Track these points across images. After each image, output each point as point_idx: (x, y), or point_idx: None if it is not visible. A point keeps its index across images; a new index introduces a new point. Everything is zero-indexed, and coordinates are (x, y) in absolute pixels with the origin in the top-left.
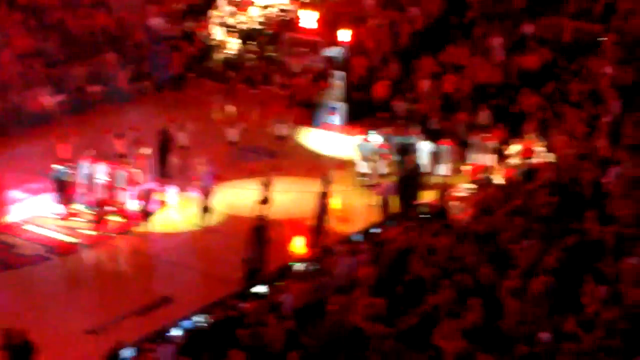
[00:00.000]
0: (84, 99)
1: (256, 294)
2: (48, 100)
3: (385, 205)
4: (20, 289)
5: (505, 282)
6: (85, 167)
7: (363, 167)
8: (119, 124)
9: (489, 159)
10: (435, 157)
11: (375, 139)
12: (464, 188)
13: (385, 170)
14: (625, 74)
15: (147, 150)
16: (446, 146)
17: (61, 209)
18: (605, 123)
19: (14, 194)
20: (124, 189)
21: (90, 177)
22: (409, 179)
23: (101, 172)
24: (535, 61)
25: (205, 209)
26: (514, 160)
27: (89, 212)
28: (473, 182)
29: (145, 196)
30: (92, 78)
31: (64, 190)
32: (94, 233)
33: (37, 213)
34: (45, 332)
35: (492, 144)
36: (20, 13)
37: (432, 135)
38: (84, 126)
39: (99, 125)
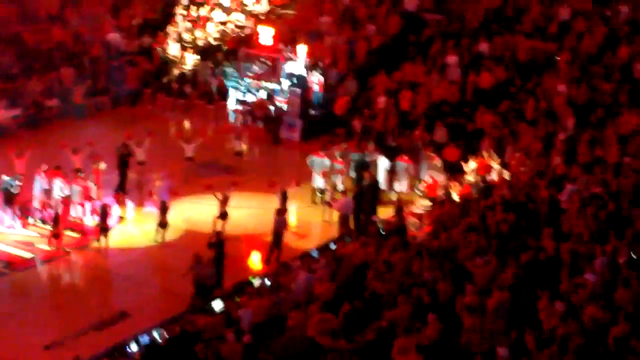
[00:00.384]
0: (40, 113)
1: (213, 310)
2: (3, 114)
3: (343, 221)
4: None
5: (463, 298)
6: (40, 181)
7: (319, 183)
8: (75, 139)
9: (440, 177)
10: (393, 174)
11: (332, 155)
12: (421, 205)
13: (342, 186)
14: (579, 92)
15: (103, 165)
16: (403, 163)
17: (14, 222)
18: (560, 141)
19: None
20: (80, 204)
21: (45, 192)
22: (367, 195)
23: (56, 187)
24: (491, 79)
25: (162, 224)
26: (470, 178)
27: (45, 226)
28: (430, 199)
29: (103, 211)
30: (49, 93)
31: (12, 202)
32: (50, 248)
33: None
34: (1, 348)
35: (440, 162)
36: None
37: (389, 152)
38: (40, 141)
39: (55, 140)
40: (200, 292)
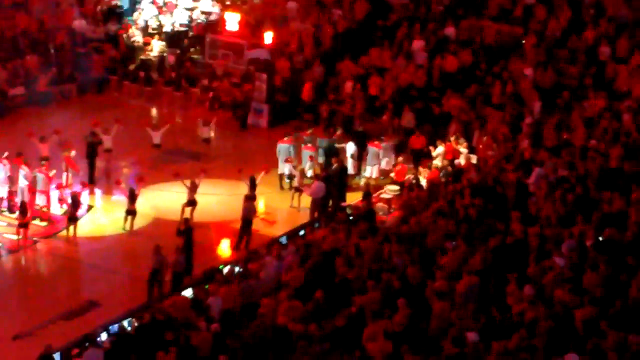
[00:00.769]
0: (5, 101)
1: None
2: None
3: (316, 206)
4: None
5: (432, 283)
6: (3, 169)
7: (285, 169)
8: (41, 127)
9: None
10: (360, 159)
11: (300, 141)
12: (389, 190)
13: (311, 172)
14: (545, 75)
15: (73, 153)
16: (374, 148)
17: None
18: (527, 124)
19: None
20: (45, 192)
21: (9, 180)
22: (335, 181)
23: (21, 176)
24: (457, 63)
25: (131, 212)
26: (438, 162)
27: (12, 215)
28: (398, 183)
29: (73, 200)
30: (13, 80)
31: None
32: (17, 237)
33: None
34: None
35: (389, 145)
36: None
37: (357, 137)
38: (5, 129)
39: (20, 129)
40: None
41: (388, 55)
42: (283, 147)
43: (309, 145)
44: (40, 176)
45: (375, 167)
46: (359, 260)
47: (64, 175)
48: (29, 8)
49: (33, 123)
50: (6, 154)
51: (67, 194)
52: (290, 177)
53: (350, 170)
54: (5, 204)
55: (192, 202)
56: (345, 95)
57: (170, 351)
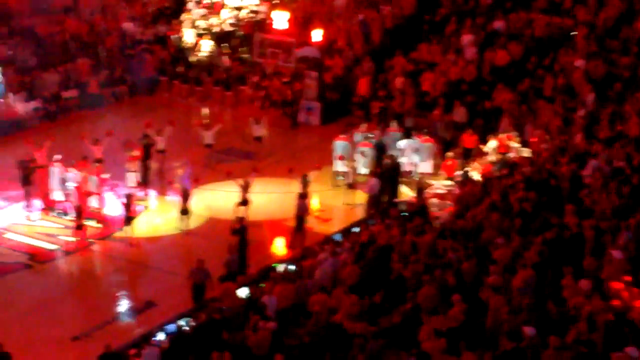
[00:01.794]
0: (58, 105)
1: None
2: (22, 107)
3: (372, 202)
4: (1, 297)
5: (487, 278)
6: (59, 172)
7: (341, 166)
8: (94, 129)
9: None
10: (414, 155)
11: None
12: (442, 185)
13: (364, 168)
14: (597, 67)
15: (137, 153)
16: (428, 143)
17: (37, 213)
18: (580, 117)
19: None
20: (99, 194)
21: (62, 182)
22: (389, 177)
23: (77, 178)
24: (508, 57)
25: (184, 212)
26: (491, 157)
27: (69, 218)
28: (451, 179)
29: (127, 201)
30: (66, 84)
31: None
32: (74, 239)
33: (16, 221)
34: (29, 340)
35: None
36: None
37: (409, 133)
38: (59, 132)
39: (73, 131)
40: (228, 278)
41: (438, 50)
42: (340, 145)
43: (362, 141)
44: (93, 178)
45: (429, 163)
46: (414, 257)
47: (130, 175)
48: (78, 12)
49: (86, 126)
50: (59, 156)
51: (122, 195)
52: (344, 174)
53: (404, 166)
54: (60, 206)
55: (245, 201)
56: (396, 91)
57: (224, 352)
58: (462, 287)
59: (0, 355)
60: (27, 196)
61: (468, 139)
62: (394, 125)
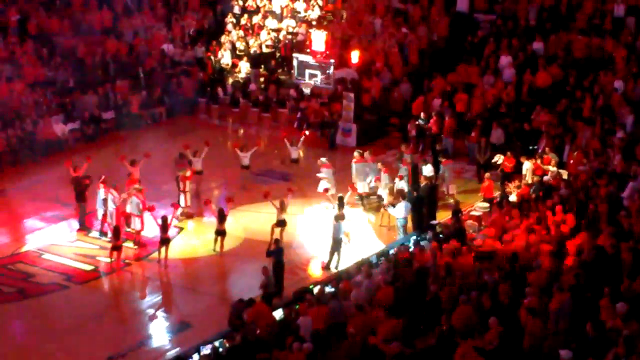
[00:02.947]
0: (96, 126)
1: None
2: (61, 128)
3: (405, 225)
4: (38, 318)
5: (524, 301)
6: (99, 194)
7: (362, 188)
8: (131, 150)
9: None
10: (450, 176)
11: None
12: (478, 207)
13: (401, 189)
14: (636, 89)
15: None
16: (447, 165)
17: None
18: (619, 138)
19: (30, 222)
20: (139, 216)
21: (104, 204)
22: (425, 199)
23: (115, 199)
24: (546, 78)
25: (220, 233)
26: (528, 178)
27: (105, 239)
28: (487, 200)
29: (163, 222)
30: (104, 105)
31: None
32: (110, 260)
33: (53, 241)
34: None
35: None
36: (32, 42)
37: (446, 155)
38: (98, 153)
39: (112, 152)
40: (265, 299)
41: (475, 72)
42: (359, 167)
43: (399, 163)
44: (133, 199)
45: (452, 185)
46: (450, 279)
47: (182, 196)
48: (118, 33)
49: (123, 147)
50: (103, 177)
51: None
52: (366, 196)
53: (441, 187)
54: (98, 226)
55: (281, 223)
56: (433, 113)
57: None
58: (499, 309)
59: None
60: (81, 213)
61: (507, 162)
62: (429, 147)
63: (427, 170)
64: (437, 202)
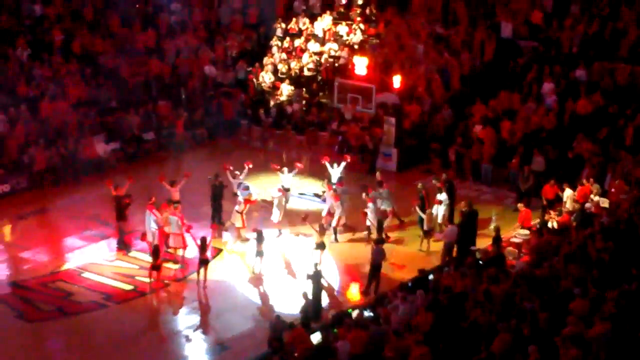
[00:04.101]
0: (137, 146)
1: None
2: (103, 147)
3: (448, 250)
4: (76, 336)
5: (564, 329)
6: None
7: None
8: (173, 171)
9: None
10: (452, 205)
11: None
12: (518, 234)
13: (440, 215)
14: None
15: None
16: (501, 191)
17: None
18: None
19: (70, 241)
20: (179, 235)
21: (145, 224)
22: (465, 224)
23: (152, 220)
24: (589, 106)
25: (259, 254)
26: (569, 206)
27: (145, 258)
28: (527, 228)
29: (202, 243)
30: (146, 125)
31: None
32: (150, 280)
33: (93, 260)
34: None
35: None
36: (76, 62)
37: (448, 184)
38: (138, 173)
39: (153, 173)
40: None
41: (517, 98)
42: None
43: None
44: (173, 219)
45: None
46: (489, 305)
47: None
48: (161, 54)
49: (165, 167)
50: (152, 199)
51: (197, 237)
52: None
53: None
54: (140, 246)
55: (321, 245)
56: (474, 139)
57: None
58: (538, 337)
59: None
60: (121, 232)
61: (549, 190)
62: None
63: (442, 197)
64: (476, 229)
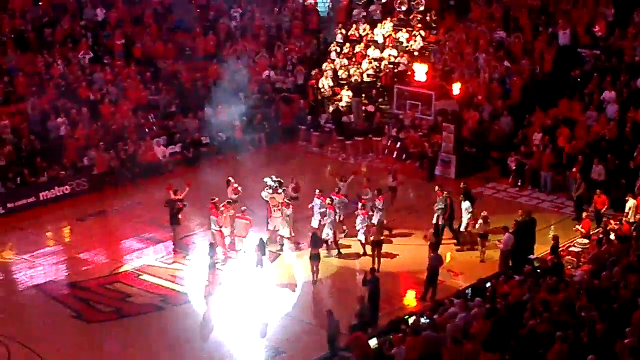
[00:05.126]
0: (196, 150)
1: None
2: (162, 151)
3: (505, 258)
4: (134, 337)
5: (623, 340)
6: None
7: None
8: (231, 174)
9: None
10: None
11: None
12: (578, 243)
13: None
14: None
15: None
16: (560, 200)
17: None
18: None
19: (129, 243)
20: (242, 237)
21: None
22: (524, 233)
23: (212, 222)
24: None
25: (314, 257)
26: (630, 217)
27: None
28: (587, 237)
29: (259, 247)
30: (205, 130)
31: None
32: (207, 283)
33: (151, 262)
34: None
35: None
36: (136, 65)
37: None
38: (197, 177)
39: (211, 176)
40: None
41: (578, 107)
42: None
43: None
44: (239, 222)
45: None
46: (547, 314)
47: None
48: (221, 59)
49: (222, 171)
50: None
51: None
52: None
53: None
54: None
55: (378, 243)
56: (534, 147)
57: None
58: (597, 347)
59: None
60: (175, 236)
61: (598, 200)
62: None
63: (466, 206)
64: (535, 237)
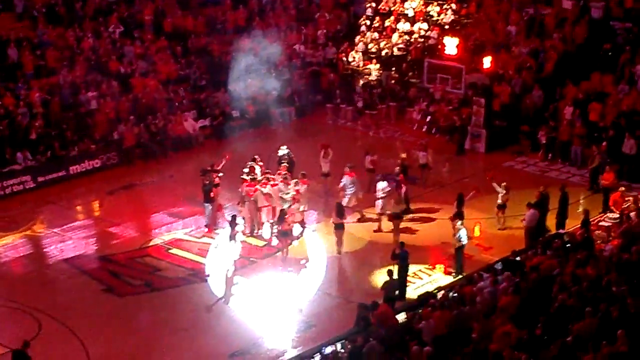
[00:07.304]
0: (226, 123)
1: None
2: (192, 124)
3: (530, 233)
4: (163, 311)
5: None
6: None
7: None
8: (261, 148)
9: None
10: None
11: None
12: (608, 218)
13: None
14: None
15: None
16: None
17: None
18: None
19: (159, 217)
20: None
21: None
22: (543, 207)
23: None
24: None
25: (338, 227)
26: None
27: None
28: (617, 211)
29: (286, 222)
30: (235, 104)
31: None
32: (237, 257)
33: (180, 236)
34: (186, 356)
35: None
36: (166, 39)
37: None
38: (227, 151)
39: (241, 150)
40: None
41: (609, 81)
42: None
43: None
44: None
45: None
46: (576, 288)
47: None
48: (251, 32)
49: (252, 145)
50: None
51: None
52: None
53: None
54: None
55: (397, 216)
56: (564, 121)
57: None
58: (626, 322)
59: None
60: (207, 211)
61: (606, 176)
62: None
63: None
64: (566, 212)
